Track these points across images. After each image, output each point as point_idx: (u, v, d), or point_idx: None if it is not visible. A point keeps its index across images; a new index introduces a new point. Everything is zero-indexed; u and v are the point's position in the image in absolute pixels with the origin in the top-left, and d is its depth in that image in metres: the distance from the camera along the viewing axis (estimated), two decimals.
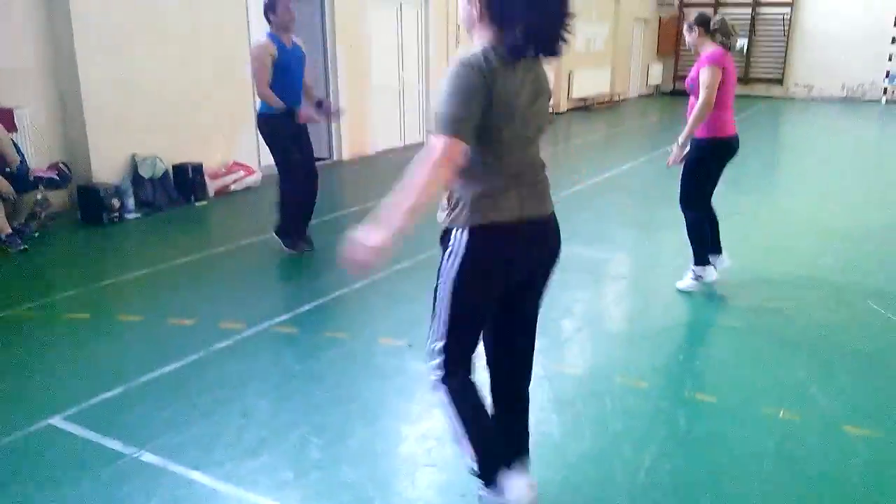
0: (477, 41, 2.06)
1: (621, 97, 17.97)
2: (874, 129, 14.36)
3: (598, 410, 3.31)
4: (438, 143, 1.95)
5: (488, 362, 2.47)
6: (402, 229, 1.99)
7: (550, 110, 2.18)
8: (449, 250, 2.18)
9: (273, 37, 5.25)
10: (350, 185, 8.93)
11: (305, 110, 5.36)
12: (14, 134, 6.12)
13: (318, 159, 9.66)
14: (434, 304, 2.27)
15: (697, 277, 4.70)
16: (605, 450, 2.99)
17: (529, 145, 2.16)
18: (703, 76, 4.35)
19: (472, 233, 2.11)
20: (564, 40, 2.05)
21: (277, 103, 5.21)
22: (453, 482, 2.78)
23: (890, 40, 17.04)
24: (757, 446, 3.01)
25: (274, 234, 5.63)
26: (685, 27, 4.60)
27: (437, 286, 2.25)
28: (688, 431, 3.16)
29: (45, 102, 6.64)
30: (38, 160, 6.35)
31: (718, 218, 4.79)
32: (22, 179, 5.79)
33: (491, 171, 2.09)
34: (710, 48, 4.43)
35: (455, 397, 2.27)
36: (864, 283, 5.02)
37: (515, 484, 2.25)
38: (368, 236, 2.00)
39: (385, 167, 9.79)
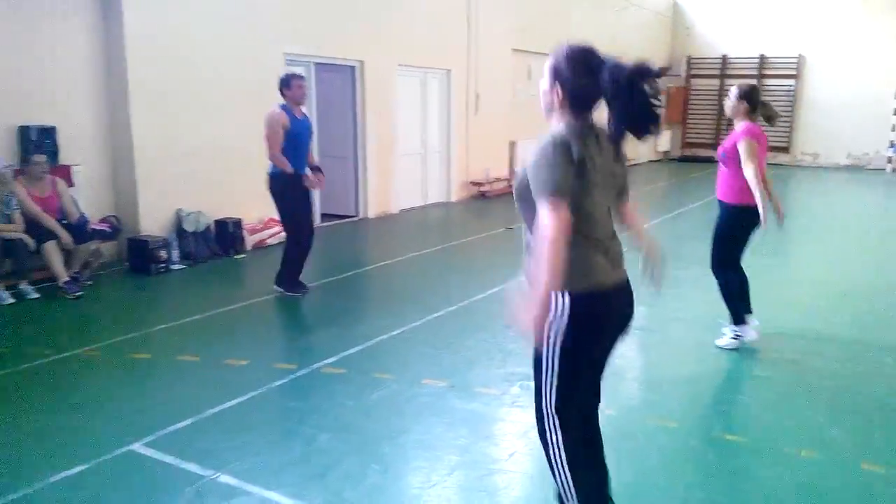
0: (555, 123, 2.39)
1: (632, 163, 18.52)
2: (880, 196, 14.77)
3: (632, 447, 3.57)
4: (550, 213, 2.16)
5: None
6: (548, 293, 2.19)
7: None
8: (551, 312, 2.31)
9: (285, 108, 5.90)
10: (376, 241, 9.32)
11: (308, 177, 5.95)
12: (72, 189, 6.56)
13: (346, 217, 10.20)
14: (538, 365, 2.46)
15: (737, 336, 4.87)
16: (641, 481, 3.25)
17: (608, 215, 2.46)
18: (742, 148, 4.56)
19: (574, 298, 2.32)
20: (651, 129, 2.30)
21: (287, 167, 5.81)
22: None
23: (893, 111, 17.63)
24: (782, 481, 3.26)
25: (275, 284, 6.16)
26: (733, 93, 4.72)
27: (539, 346, 2.40)
28: (717, 467, 3.42)
29: (99, 160, 7.13)
30: (92, 214, 6.76)
31: (748, 280, 5.03)
32: (80, 231, 6.20)
33: (583, 239, 2.31)
34: (745, 122, 4.66)
35: (569, 453, 2.45)
36: (874, 337, 5.29)
37: None
38: (527, 306, 2.20)
39: (407, 225, 10.22)
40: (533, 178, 2.25)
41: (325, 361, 4.60)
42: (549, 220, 2.16)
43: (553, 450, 2.48)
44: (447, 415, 3.90)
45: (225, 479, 3.17)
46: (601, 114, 2.37)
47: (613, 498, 2.67)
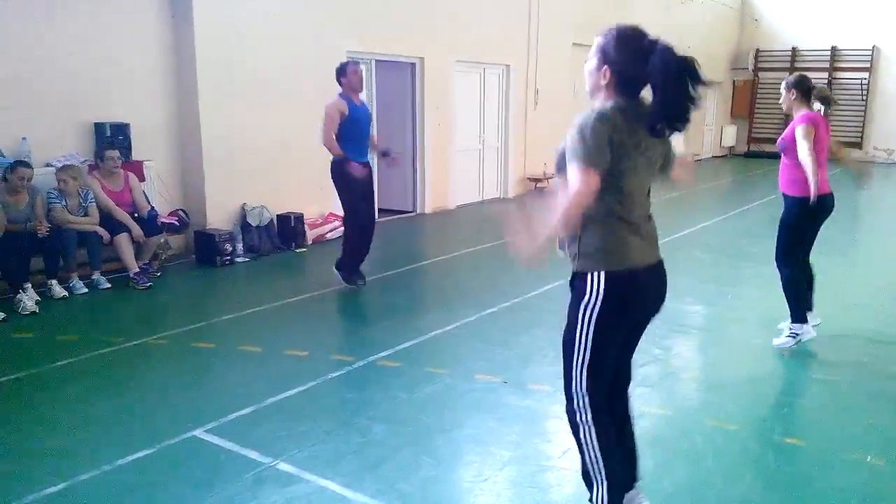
0: (599, 104, 2.38)
1: (696, 158, 18.11)
2: None
3: (689, 447, 3.52)
4: (579, 175, 2.20)
5: None
6: (550, 240, 2.29)
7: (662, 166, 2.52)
8: (587, 293, 2.38)
9: (344, 96, 6.02)
10: (432, 236, 9.39)
11: (356, 168, 5.95)
12: (143, 184, 6.82)
13: (403, 212, 10.30)
14: (568, 345, 2.48)
15: (794, 335, 4.73)
16: (698, 483, 3.20)
17: (646, 198, 2.47)
18: (799, 132, 4.49)
19: (609, 277, 2.36)
20: (688, 119, 2.30)
21: (338, 152, 5.91)
22: (554, 503, 3.05)
23: None
24: (846, 487, 3.16)
25: (334, 269, 6.28)
26: (783, 86, 4.68)
27: (571, 328, 2.46)
28: (777, 470, 3.34)
29: (169, 156, 7.40)
30: (161, 207, 7.02)
31: (814, 276, 4.93)
32: (150, 224, 6.45)
33: (619, 221, 2.35)
34: (803, 111, 4.58)
35: (599, 433, 2.50)
36: None
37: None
38: (531, 236, 2.26)
39: (464, 220, 10.25)
40: (570, 145, 2.26)
41: (381, 354, 4.67)
42: (576, 181, 2.20)
43: (583, 429, 2.52)
44: (500, 410, 3.92)
45: (283, 466, 3.26)
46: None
47: (640, 480, 2.75)
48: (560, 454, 3.44)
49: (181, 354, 4.73)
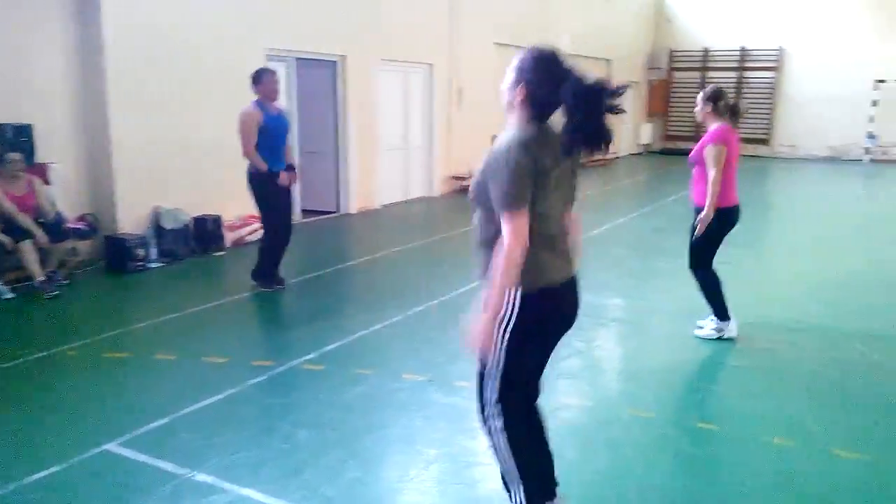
0: (513, 122, 2.44)
1: (612, 156, 18.58)
2: (858, 186, 14.95)
3: (608, 436, 3.60)
4: (510, 226, 2.26)
5: None
6: (500, 305, 2.36)
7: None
8: (501, 311, 2.39)
9: (259, 104, 5.87)
10: (358, 236, 9.30)
11: (284, 176, 5.94)
12: (49, 187, 6.48)
13: (327, 212, 10.16)
14: (484, 358, 2.51)
15: (718, 330, 4.92)
16: (617, 470, 3.28)
17: (562, 216, 2.51)
18: (710, 154, 4.63)
19: (524, 296, 2.39)
20: (602, 147, 2.34)
21: (261, 165, 5.80)
22: (479, 499, 3.06)
23: (871, 103, 17.81)
24: (757, 468, 3.31)
25: (251, 278, 6.21)
26: (699, 97, 4.81)
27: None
28: (693, 455, 3.46)
29: (76, 158, 7.04)
30: (69, 212, 6.69)
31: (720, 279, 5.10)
32: (56, 230, 6.14)
33: (535, 240, 2.35)
34: (716, 124, 4.72)
35: (512, 439, 2.53)
36: (849, 327, 5.36)
37: None
38: (479, 320, 2.37)
39: (389, 220, 10.20)
40: (492, 186, 2.33)
41: (305, 358, 4.59)
42: (509, 233, 2.28)
43: (496, 437, 2.57)
44: (427, 409, 3.91)
45: (201, 477, 3.16)
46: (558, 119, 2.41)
47: (558, 481, 2.76)
48: (485, 450, 3.42)
49: (93, 365, 4.52)
